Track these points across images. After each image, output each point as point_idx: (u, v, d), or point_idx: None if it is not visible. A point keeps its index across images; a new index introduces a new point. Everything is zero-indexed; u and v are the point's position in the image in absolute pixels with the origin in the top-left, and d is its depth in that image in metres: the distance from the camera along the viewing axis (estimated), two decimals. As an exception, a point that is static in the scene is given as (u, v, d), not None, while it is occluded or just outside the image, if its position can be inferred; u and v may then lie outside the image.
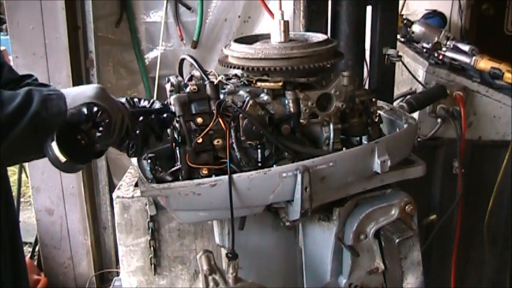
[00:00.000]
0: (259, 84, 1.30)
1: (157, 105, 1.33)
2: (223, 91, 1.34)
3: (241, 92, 1.33)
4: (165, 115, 1.31)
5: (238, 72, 1.36)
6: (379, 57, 2.03)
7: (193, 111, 1.25)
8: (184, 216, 1.31)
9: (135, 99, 1.35)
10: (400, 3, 3.03)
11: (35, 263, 3.49)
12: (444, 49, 2.55)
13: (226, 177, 1.20)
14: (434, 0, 3.39)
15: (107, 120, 1.14)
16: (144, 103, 1.34)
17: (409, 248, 1.41)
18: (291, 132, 1.31)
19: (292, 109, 1.29)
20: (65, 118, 1.11)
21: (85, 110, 1.12)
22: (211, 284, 1.36)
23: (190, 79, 1.35)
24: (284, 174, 1.22)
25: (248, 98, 1.27)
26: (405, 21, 2.90)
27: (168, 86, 1.35)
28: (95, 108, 1.12)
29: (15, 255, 1.45)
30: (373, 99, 1.43)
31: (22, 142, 1.09)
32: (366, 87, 2.05)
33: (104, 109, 1.13)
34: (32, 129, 1.08)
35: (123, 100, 1.33)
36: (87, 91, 1.15)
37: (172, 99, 1.27)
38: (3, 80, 1.43)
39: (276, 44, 1.35)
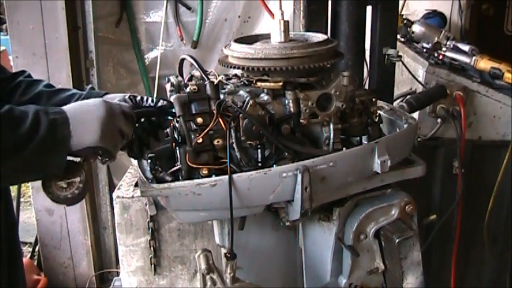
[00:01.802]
0: (259, 84, 1.30)
1: (160, 102, 1.35)
2: (223, 91, 1.34)
3: (241, 92, 1.33)
4: (154, 118, 1.35)
5: (238, 72, 1.36)
6: (379, 57, 2.03)
7: (193, 111, 1.25)
8: (184, 216, 1.31)
9: (138, 98, 1.36)
10: (400, 3, 3.03)
11: (35, 263, 3.49)
12: (444, 49, 2.56)
13: (226, 177, 1.20)
14: (434, 0, 3.40)
15: (109, 159, 1.22)
16: (149, 102, 1.35)
17: (409, 248, 1.40)
18: (291, 132, 1.31)
19: (292, 109, 1.29)
20: (68, 145, 1.13)
21: (90, 151, 1.17)
22: (208, 283, 1.36)
23: (190, 79, 1.36)
24: (284, 174, 1.22)
25: (248, 98, 1.27)
26: (405, 21, 2.90)
27: (168, 86, 1.35)
28: (100, 152, 1.18)
29: (13, 256, 1.45)
30: (373, 99, 1.43)
31: (25, 165, 1.10)
32: (366, 87, 2.05)
33: (110, 153, 1.20)
34: (37, 154, 1.08)
35: (126, 97, 1.34)
36: (91, 125, 1.15)
37: (172, 99, 1.27)
38: None
39: (276, 44, 1.35)
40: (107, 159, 1.21)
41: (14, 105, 1.10)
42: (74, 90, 1.47)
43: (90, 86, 1.47)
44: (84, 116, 1.16)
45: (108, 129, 1.17)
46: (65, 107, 1.17)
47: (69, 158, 1.18)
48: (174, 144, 1.31)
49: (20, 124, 1.07)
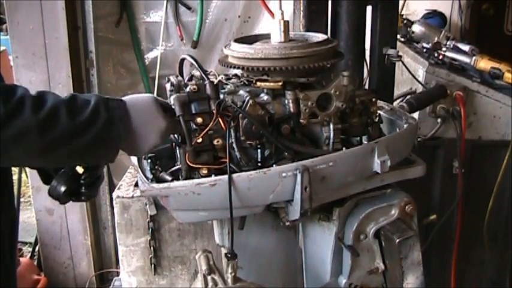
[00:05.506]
0: (259, 84, 1.30)
1: None
2: (223, 91, 1.34)
3: (241, 92, 1.33)
4: None
5: (238, 72, 1.36)
6: (379, 57, 2.03)
7: (193, 111, 1.24)
8: (184, 216, 1.31)
9: None
10: (400, 3, 3.03)
11: (35, 263, 3.49)
12: (444, 49, 2.55)
13: (226, 177, 1.20)
14: (434, 0, 3.40)
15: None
16: None
17: (409, 248, 1.40)
18: (291, 132, 1.31)
19: (292, 109, 1.29)
20: (121, 145, 1.15)
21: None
22: (210, 283, 1.36)
23: (190, 79, 1.36)
24: (284, 174, 1.22)
25: (248, 97, 1.27)
26: (405, 21, 2.90)
27: (168, 86, 1.36)
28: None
29: (14, 247, 1.44)
30: (373, 99, 1.43)
31: (75, 153, 1.11)
32: (366, 87, 2.05)
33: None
34: (90, 145, 1.10)
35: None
36: (150, 135, 1.20)
37: (172, 99, 1.27)
38: None
39: (276, 44, 1.35)
40: None
41: (77, 94, 1.14)
42: None
43: None
44: (146, 122, 1.19)
45: (164, 139, 1.22)
46: (126, 102, 1.18)
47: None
48: (173, 144, 1.31)
49: (80, 114, 1.08)
